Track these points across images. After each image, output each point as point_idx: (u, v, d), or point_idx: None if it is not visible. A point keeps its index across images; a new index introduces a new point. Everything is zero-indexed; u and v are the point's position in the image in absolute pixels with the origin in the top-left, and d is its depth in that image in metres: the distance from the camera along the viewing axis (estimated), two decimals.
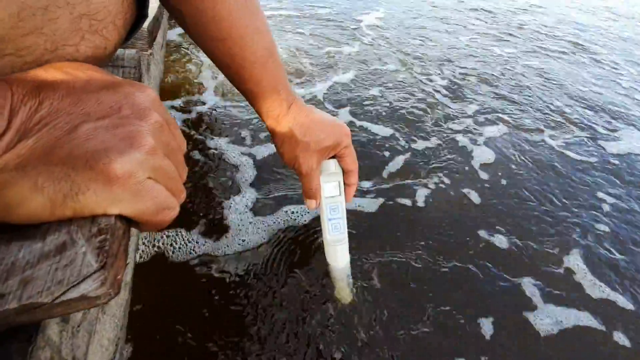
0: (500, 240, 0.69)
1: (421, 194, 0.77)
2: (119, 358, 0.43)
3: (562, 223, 0.74)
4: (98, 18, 0.27)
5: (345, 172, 0.55)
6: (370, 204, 0.73)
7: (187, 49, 1.21)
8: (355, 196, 0.73)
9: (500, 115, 1.07)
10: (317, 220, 0.68)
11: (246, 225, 0.65)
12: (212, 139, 0.84)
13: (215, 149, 0.82)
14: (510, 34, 1.66)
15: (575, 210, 0.78)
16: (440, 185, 0.80)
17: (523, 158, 0.91)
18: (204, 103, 0.96)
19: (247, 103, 0.93)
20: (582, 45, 1.63)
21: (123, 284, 0.42)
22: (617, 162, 0.94)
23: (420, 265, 0.63)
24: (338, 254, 0.57)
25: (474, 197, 0.77)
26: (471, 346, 0.53)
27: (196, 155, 0.79)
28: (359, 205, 0.73)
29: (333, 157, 0.54)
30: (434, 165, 0.85)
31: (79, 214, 0.21)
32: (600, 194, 0.83)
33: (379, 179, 0.80)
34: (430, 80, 1.20)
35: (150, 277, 0.56)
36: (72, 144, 0.21)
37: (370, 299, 0.57)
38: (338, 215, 0.56)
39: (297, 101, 0.49)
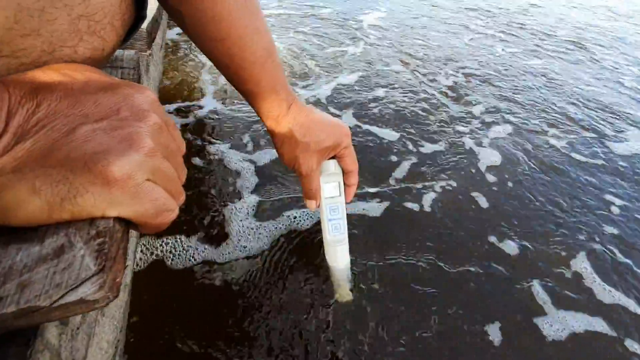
0: (508, 244, 0.68)
1: (427, 198, 0.76)
2: None
3: (570, 226, 0.73)
4: (96, 19, 0.26)
5: (345, 173, 0.55)
6: (375, 208, 0.72)
7: (187, 49, 1.21)
8: (357, 198, 0.73)
9: (504, 116, 1.06)
10: (319, 224, 0.67)
11: (247, 232, 0.64)
12: (212, 143, 0.83)
13: (216, 154, 0.81)
14: (511, 34, 1.66)
15: (584, 213, 0.77)
16: (447, 188, 0.78)
17: (529, 160, 0.90)
18: (203, 107, 0.95)
19: (247, 107, 0.94)
20: (582, 44, 1.63)
21: (122, 286, 0.41)
22: (623, 163, 0.93)
23: (425, 269, 0.62)
24: (338, 254, 0.57)
25: (482, 200, 0.76)
26: (478, 351, 0.52)
27: (196, 160, 0.78)
28: (363, 210, 0.71)
29: (333, 157, 0.54)
30: (440, 168, 0.84)
31: (77, 216, 0.21)
32: (608, 196, 0.82)
33: (384, 183, 0.78)
34: (434, 81, 1.19)
35: (150, 280, 0.56)
36: (70, 146, 0.21)
37: (372, 301, 0.57)
38: (338, 216, 0.56)
39: (296, 101, 0.49)
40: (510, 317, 0.57)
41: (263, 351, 0.50)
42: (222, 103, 0.97)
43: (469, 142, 0.93)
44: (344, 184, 0.56)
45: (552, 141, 0.97)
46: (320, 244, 0.62)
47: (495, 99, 1.14)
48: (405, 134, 0.94)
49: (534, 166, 0.88)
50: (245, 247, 0.61)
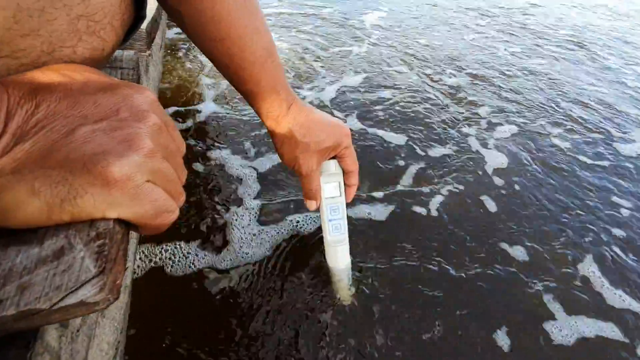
0: (515, 248, 0.67)
1: (433, 201, 0.75)
2: None
3: (578, 230, 0.72)
4: (95, 19, 0.26)
5: (345, 173, 0.55)
6: (380, 212, 0.71)
7: (186, 50, 1.21)
8: (362, 202, 0.72)
9: (509, 116, 1.05)
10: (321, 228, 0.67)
11: (249, 238, 0.63)
12: (213, 148, 0.82)
13: (216, 158, 0.80)
14: (512, 34, 1.66)
15: (591, 215, 0.76)
16: (453, 191, 0.78)
17: (535, 162, 0.89)
18: (203, 111, 0.94)
19: (247, 111, 0.93)
20: (583, 44, 1.63)
21: (123, 287, 0.41)
22: (630, 164, 0.92)
23: (430, 273, 0.61)
24: (339, 254, 0.57)
25: (489, 204, 0.75)
26: (485, 356, 0.52)
27: (196, 165, 0.77)
28: (368, 213, 0.70)
29: (333, 157, 0.53)
30: (446, 170, 0.83)
31: (77, 218, 0.21)
32: (616, 199, 0.81)
33: (389, 186, 0.77)
34: (437, 82, 1.19)
35: (150, 285, 0.55)
36: (70, 147, 0.21)
37: (375, 304, 0.57)
38: (338, 216, 0.56)
39: (296, 101, 0.48)
40: (517, 322, 0.56)
41: (263, 352, 0.50)
42: (222, 107, 0.96)
43: (474, 144, 0.92)
44: (345, 184, 0.56)
45: (558, 142, 0.97)
46: (321, 245, 0.62)
47: (499, 99, 1.13)
48: (410, 136, 0.93)
49: (540, 168, 0.87)
50: (247, 253, 0.60)
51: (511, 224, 0.72)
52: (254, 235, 0.64)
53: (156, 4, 0.70)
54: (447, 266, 0.63)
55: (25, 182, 0.20)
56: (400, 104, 1.05)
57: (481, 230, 0.70)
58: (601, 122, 1.08)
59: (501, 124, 1.02)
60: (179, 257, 0.59)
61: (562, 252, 0.68)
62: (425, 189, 0.78)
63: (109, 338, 0.36)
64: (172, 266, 0.58)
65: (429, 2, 1.97)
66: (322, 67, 1.21)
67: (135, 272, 0.56)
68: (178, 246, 0.61)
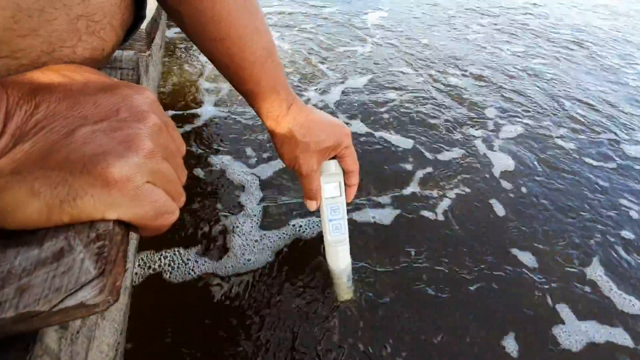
0: (523, 252, 0.66)
1: (439, 204, 0.74)
2: None
3: (587, 233, 0.72)
4: (95, 19, 0.26)
5: (345, 173, 0.55)
6: (385, 216, 0.70)
7: (185, 50, 1.21)
8: (367, 206, 0.72)
9: (514, 118, 1.05)
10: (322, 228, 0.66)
11: (252, 244, 0.62)
12: (213, 152, 0.81)
13: (217, 163, 0.78)
14: (513, 34, 1.66)
15: (600, 219, 0.75)
16: (460, 194, 0.77)
17: (542, 164, 0.88)
18: (203, 114, 0.93)
19: (248, 115, 0.93)
20: (585, 44, 1.62)
21: (122, 289, 0.41)
22: (638, 166, 0.91)
23: (436, 277, 0.61)
24: (339, 255, 0.57)
25: (496, 207, 0.75)
26: None
27: (197, 170, 0.76)
28: (372, 217, 0.70)
29: (333, 157, 0.53)
30: (452, 174, 0.83)
31: (77, 219, 0.21)
32: (624, 201, 0.81)
33: (395, 190, 0.77)
34: (441, 83, 1.18)
35: (149, 291, 0.55)
36: (69, 147, 0.21)
37: (374, 304, 0.57)
38: (339, 216, 0.56)
39: (296, 101, 0.48)
40: (525, 326, 0.55)
41: (264, 353, 0.50)
42: (222, 110, 0.95)
43: (481, 146, 0.92)
44: (345, 184, 0.55)
45: (563, 143, 0.96)
46: (323, 249, 0.61)
47: (504, 100, 1.13)
48: (415, 138, 0.92)
49: (547, 170, 0.87)
50: (249, 260, 0.60)
51: (518, 227, 0.71)
52: (256, 241, 0.63)
53: (156, 4, 0.70)
54: (452, 269, 0.62)
55: (24, 183, 0.19)
56: (405, 105, 1.05)
57: (488, 233, 0.69)
58: (606, 123, 1.07)
59: (506, 126, 1.01)
60: (179, 264, 0.58)
61: (570, 256, 0.67)
62: (431, 192, 0.77)
63: (109, 340, 0.36)
64: (171, 272, 0.57)
65: (429, 2, 1.97)
66: (326, 67, 1.20)
67: (134, 278, 0.56)
68: (177, 253, 0.60)
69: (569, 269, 0.65)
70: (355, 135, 0.91)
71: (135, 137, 0.22)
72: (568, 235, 0.71)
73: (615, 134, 1.03)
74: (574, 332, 0.56)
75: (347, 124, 0.95)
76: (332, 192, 0.55)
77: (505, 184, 0.81)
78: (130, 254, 0.51)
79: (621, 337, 0.56)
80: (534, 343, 0.54)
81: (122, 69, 0.42)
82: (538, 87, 1.23)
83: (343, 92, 1.08)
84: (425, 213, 0.72)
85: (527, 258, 0.66)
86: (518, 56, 1.44)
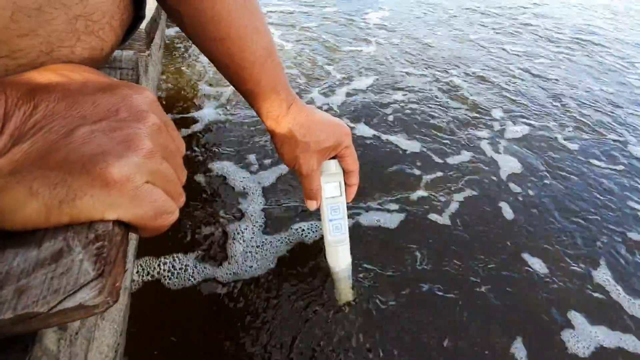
0: (530, 255, 0.66)
1: (445, 207, 0.73)
2: None
3: (596, 237, 0.71)
4: (94, 19, 0.26)
5: (346, 173, 0.55)
6: (391, 220, 0.70)
7: (184, 50, 1.21)
8: (372, 209, 0.71)
9: (519, 119, 1.04)
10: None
11: (254, 250, 0.62)
12: (214, 156, 0.80)
13: (218, 168, 0.77)
14: (515, 34, 1.66)
15: (609, 222, 0.75)
16: (467, 197, 0.76)
17: (549, 166, 0.88)
18: (204, 115, 0.92)
19: (249, 119, 0.92)
20: (587, 45, 1.63)
21: (122, 289, 0.41)
22: None
23: (439, 277, 0.60)
24: (339, 254, 0.57)
25: (503, 210, 0.74)
26: None
27: (198, 175, 0.75)
28: (377, 221, 0.69)
29: (334, 157, 0.53)
30: (459, 176, 0.82)
31: (76, 219, 0.21)
32: (632, 203, 0.80)
33: (400, 193, 0.76)
34: (446, 84, 1.18)
35: (148, 297, 0.54)
36: (68, 148, 0.20)
37: (375, 304, 0.56)
38: (339, 216, 0.56)
39: (296, 101, 0.48)
40: (533, 331, 0.55)
41: (264, 355, 0.50)
42: (223, 112, 0.94)
43: (488, 149, 0.91)
44: (345, 183, 0.55)
45: (570, 145, 0.96)
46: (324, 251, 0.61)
47: (508, 101, 1.12)
48: (421, 141, 0.92)
49: (554, 173, 0.86)
50: (251, 266, 0.59)
51: (524, 230, 0.71)
52: (258, 247, 0.62)
53: (155, 3, 0.70)
54: (458, 272, 0.62)
55: (23, 183, 0.19)
56: (410, 107, 1.04)
57: (494, 236, 0.69)
58: (611, 123, 1.07)
59: (512, 127, 1.01)
60: (179, 270, 0.58)
61: (578, 259, 0.67)
62: (437, 195, 0.76)
63: (109, 340, 0.36)
64: (170, 279, 0.57)
65: (430, 1, 1.97)
66: (330, 68, 1.20)
67: (135, 282, 0.55)
68: (177, 258, 0.59)
69: (576, 272, 0.64)
70: (360, 138, 0.90)
71: (134, 137, 0.22)
72: (575, 238, 0.71)
73: (620, 134, 1.03)
74: (582, 337, 0.55)
75: (352, 126, 0.94)
76: (332, 191, 0.55)
77: (512, 187, 0.81)
78: (130, 254, 0.51)
79: (632, 343, 0.55)
80: (542, 347, 0.53)
81: (121, 68, 0.41)
82: (541, 87, 1.23)
83: (347, 94, 1.07)
84: (431, 216, 0.72)
85: (534, 261, 0.65)
86: (520, 56, 1.44)
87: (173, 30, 1.29)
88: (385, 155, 0.86)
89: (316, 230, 0.66)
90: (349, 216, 0.68)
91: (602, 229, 0.74)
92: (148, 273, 0.56)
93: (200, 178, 0.75)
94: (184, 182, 0.27)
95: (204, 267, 0.59)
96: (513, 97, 1.15)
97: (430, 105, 1.06)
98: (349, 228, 0.66)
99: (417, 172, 0.82)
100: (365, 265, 0.61)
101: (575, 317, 0.58)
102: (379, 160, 0.84)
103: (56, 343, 0.23)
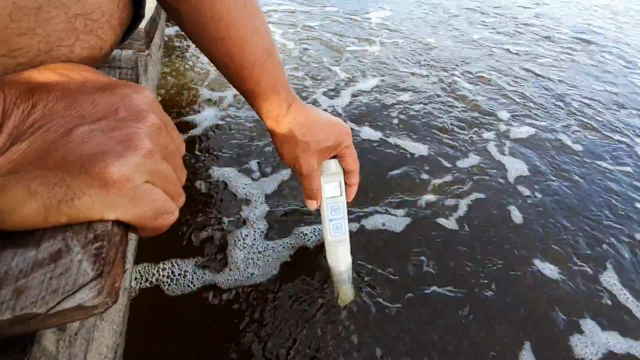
0: (539, 260, 0.65)
1: (453, 210, 0.73)
2: None
3: (605, 240, 0.71)
4: (93, 18, 0.26)
5: (346, 172, 0.55)
6: (396, 222, 0.69)
7: (186, 50, 1.20)
8: (377, 212, 0.71)
9: (525, 120, 1.04)
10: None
11: (256, 257, 0.61)
12: (215, 160, 0.79)
13: (219, 172, 0.76)
14: (517, 34, 1.66)
15: (618, 226, 0.74)
16: (475, 200, 0.76)
17: (555, 168, 0.87)
18: (204, 117, 0.90)
19: (250, 123, 0.91)
20: (588, 45, 1.63)
21: (122, 290, 0.41)
22: None
23: (447, 284, 0.60)
24: (339, 254, 0.57)
25: (511, 214, 0.74)
26: None
27: (199, 182, 0.74)
28: (383, 224, 0.69)
29: (334, 157, 0.53)
30: (466, 179, 0.81)
31: (75, 219, 0.21)
32: (639, 205, 0.80)
33: (405, 195, 0.75)
34: (450, 85, 1.17)
35: (147, 302, 0.54)
36: (67, 147, 0.20)
37: (375, 304, 0.56)
38: (339, 216, 0.56)
39: (296, 101, 0.48)
40: (541, 335, 0.55)
41: (264, 354, 0.49)
42: (223, 113, 0.93)
43: (494, 151, 0.91)
44: (345, 183, 0.55)
45: (576, 147, 0.95)
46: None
47: (513, 103, 1.12)
48: (427, 143, 0.91)
49: (561, 175, 0.85)
50: (252, 274, 0.59)
51: (532, 233, 0.70)
52: (260, 252, 0.62)
53: (155, 3, 0.70)
54: (463, 274, 0.61)
55: (22, 183, 0.19)
56: (415, 108, 1.04)
57: (502, 239, 0.68)
58: (616, 125, 1.06)
59: (517, 128, 1.00)
60: (178, 276, 0.57)
61: (590, 265, 0.66)
62: (444, 197, 0.76)
63: (108, 341, 0.36)
64: (169, 284, 0.56)
65: (430, 1, 1.97)
66: (334, 68, 1.19)
67: (134, 285, 0.55)
68: (176, 264, 0.59)
69: (585, 275, 0.64)
70: (367, 141, 0.90)
71: (134, 136, 0.22)
72: (584, 242, 0.70)
73: (625, 135, 1.02)
74: (591, 342, 0.55)
75: (357, 128, 0.93)
76: (332, 191, 0.55)
77: (520, 189, 0.80)
78: (130, 255, 0.51)
79: None
80: (549, 351, 0.53)
81: (120, 68, 0.41)
82: (544, 87, 1.23)
83: (353, 95, 1.07)
84: (438, 218, 0.71)
85: (543, 265, 0.65)
86: (522, 56, 1.44)
87: (173, 30, 1.28)
88: (391, 158, 0.86)
89: (318, 234, 0.65)
90: (354, 219, 0.68)
91: (610, 231, 0.73)
92: (147, 280, 0.56)
93: (200, 183, 0.74)
94: (184, 182, 0.27)
95: (205, 273, 0.58)
96: (517, 98, 1.15)
97: (434, 107, 1.06)
98: (353, 231, 0.66)
99: (423, 174, 0.82)
100: (367, 267, 0.61)
101: (584, 322, 0.57)
102: (385, 163, 0.84)
103: (55, 344, 0.22)
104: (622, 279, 0.64)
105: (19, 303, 0.17)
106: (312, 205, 0.53)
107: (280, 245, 0.63)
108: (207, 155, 0.81)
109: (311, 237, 0.65)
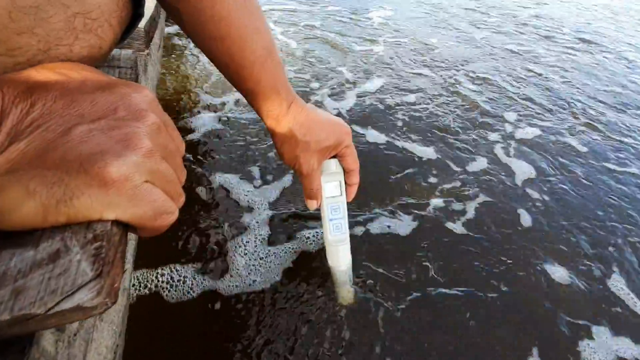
0: (547, 263, 0.65)
1: (460, 213, 0.72)
2: None
3: (613, 243, 0.70)
4: (92, 17, 0.26)
5: (346, 172, 0.54)
6: (402, 226, 0.69)
7: (186, 49, 1.20)
8: (383, 215, 0.70)
9: (530, 121, 1.04)
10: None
11: (258, 263, 0.60)
12: (215, 164, 0.78)
13: (219, 176, 0.75)
14: (518, 34, 1.66)
15: (627, 229, 0.74)
16: (482, 203, 0.75)
17: (563, 170, 0.87)
18: (203, 118, 0.90)
19: (250, 126, 0.90)
20: (590, 45, 1.62)
21: (121, 290, 0.41)
22: None
23: (452, 286, 0.59)
24: (340, 254, 0.57)
25: (518, 217, 0.73)
26: None
27: (199, 188, 0.73)
28: (388, 227, 0.68)
29: (334, 156, 0.53)
30: (473, 181, 0.81)
31: (73, 219, 0.20)
32: None
33: (412, 198, 0.75)
34: (454, 86, 1.17)
35: (147, 307, 0.54)
36: (66, 146, 0.20)
37: (375, 304, 0.56)
38: (339, 216, 0.55)
39: (297, 100, 0.48)
40: (551, 342, 0.54)
41: (263, 354, 0.49)
42: (223, 114, 0.92)
43: (500, 153, 0.90)
44: (346, 183, 0.55)
45: (582, 149, 0.95)
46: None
47: (517, 104, 1.12)
48: (432, 145, 0.90)
49: (568, 177, 0.85)
50: (254, 280, 0.58)
51: (539, 236, 0.70)
52: (262, 259, 0.61)
53: (154, 2, 0.70)
54: (468, 278, 0.61)
55: (20, 182, 0.19)
56: (420, 110, 1.03)
57: (510, 242, 0.68)
58: (621, 126, 1.06)
59: (523, 130, 1.00)
60: (177, 282, 0.57)
61: (597, 269, 0.66)
62: (450, 200, 0.75)
63: (108, 342, 0.36)
64: (169, 291, 0.56)
65: (430, 1, 1.97)
66: (337, 68, 1.19)
67: (131, 298, 0.55)
68: (175, 270, 0.58)
69: (595, 282, 0.64)
70: (371, 142, 0.89)
71: (133, 136, 0.22)
72: (591, 245, 0.70)
73: (630, 136, 1.02)
74: (599, 347, 0.54)
75: (362, 131, 0.93)
76: (332, 191, 0.55)
77: (528, 192, 0.80)
78: (129, 255, 0.51)
79: None
80: (556, 356, 0.53)
81: (120, 67, 0.41)
82: (548, 88, 1.22)
83: (358, 96, 1.06)
84: (444, 221, 0.71)
85: (553, 269, 0.65)
86: (524, 56, 1.43)
87: (173, 29, 1.28)
88: (397, 160, 0.85)
89: (320, 237, 0.65)
90: (359, 222, 0.68)
91: (617, 233, 0.73)
92: (146, 286, 0.55)
93: (200, 188, 0.73)
94: (184, 182, 0.27)
95: (204, 279, 0.57)
96: (521, 99, 1.14)
97: (439, 108, 1.05)
98: (358, 234, 0.65)
99: (429, 177, 0.81)
100: (371, 268, 0.61)
101: (593, 327, 0.57)
102: (391, 166, 0.83)
103: (54, 345, 0.22)
104: (630, 283, 0.64)
105: (18, 304, 0.17)
106: (312, 205, 0.53)
107: (282, 250, 0.62)
108: (207, 159, 0.80)
109: (313, 240, 0.65)
